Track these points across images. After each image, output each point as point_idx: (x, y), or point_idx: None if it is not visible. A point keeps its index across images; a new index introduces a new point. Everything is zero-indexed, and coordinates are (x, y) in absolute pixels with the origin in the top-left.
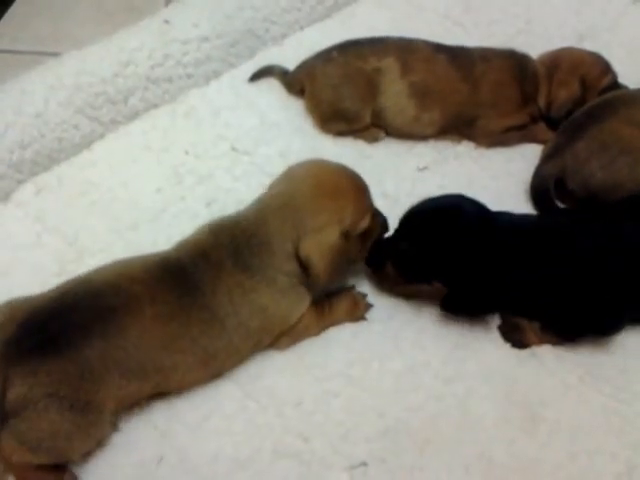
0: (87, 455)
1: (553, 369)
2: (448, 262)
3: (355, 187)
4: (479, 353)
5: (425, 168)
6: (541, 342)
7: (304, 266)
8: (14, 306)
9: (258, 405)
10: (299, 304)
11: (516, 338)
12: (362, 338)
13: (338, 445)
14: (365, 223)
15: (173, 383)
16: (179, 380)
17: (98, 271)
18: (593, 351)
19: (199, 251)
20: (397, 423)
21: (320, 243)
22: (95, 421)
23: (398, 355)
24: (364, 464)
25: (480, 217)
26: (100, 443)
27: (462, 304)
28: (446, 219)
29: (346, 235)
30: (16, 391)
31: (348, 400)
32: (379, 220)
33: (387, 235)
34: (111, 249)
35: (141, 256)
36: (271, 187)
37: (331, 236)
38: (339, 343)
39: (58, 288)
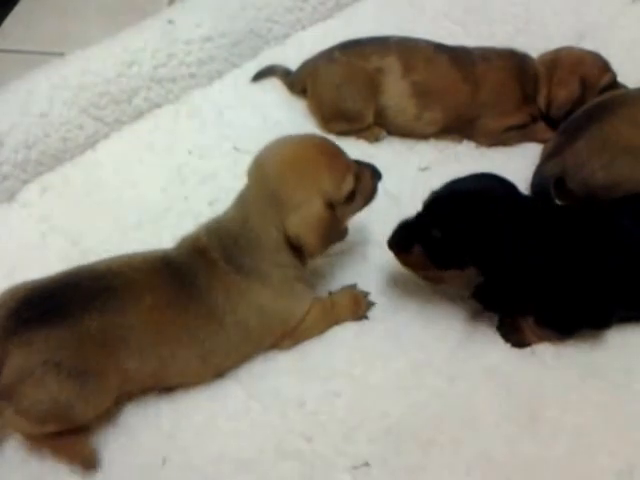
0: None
1: (554, 368)
2: (483, 248)
3: (324, 152)
4: (481, 352)
5: (426, 168)
6: (540, 339)
7: (296, 247)
8: (17, 286)
9: (261, 405)
10: (299, 303)
11: (515, 338)
12: (365, 338)
13: (341, 445)
14: (348, 185)
15: (172, 374)
16: (178, 372)
17: (102, 261)
18: (594, 350)
19: (196, 250)
20: (400, 423)
21: (305, 217)
22: (95, 389)
23: (400, 354)
24: (367, 464)
25: (512, 199)
26: (102, 415)
27: (496, 294)
28: (479, 203)
29: (330, 204)
30: (13, 362)
31: (351, 400)
32: (367, 174)
33: (415, 216)
34: (116, 248)
35: (144, 251)
36: (247, 179)
37: (314, 208)
38: (342, 343)
39: (62, 272)
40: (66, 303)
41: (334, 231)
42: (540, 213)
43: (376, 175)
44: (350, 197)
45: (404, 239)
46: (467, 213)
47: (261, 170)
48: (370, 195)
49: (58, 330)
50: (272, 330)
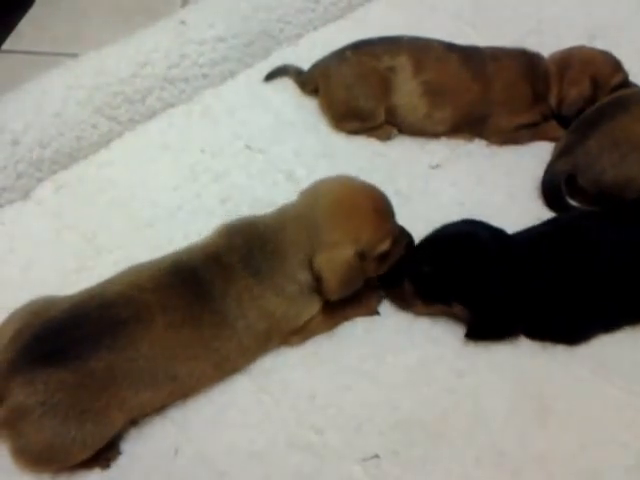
0: None
1: (565, 362)
2: (469, 283)
3: (376, 209)
4: (491, 346)
5: (437, 166)
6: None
7: (317, 279)
8: (34, 311)
9: (272, 399)
10: (308, 309)
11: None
12: (375, 332)
13: (351, 438)
14: (384, 246)
15: (188, 389)
16: (193, 385)
17: (112, 280)
18: (605, 344)
19: (211, 253)
20: (410, 416)
21: (332, 259)
22: (95, 430)
23: (411, 349)
24: (377, 456)
25: (496, 239)
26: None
27: (487, 328)
28: (465, 242)
29: (362, 255)
30: (13, 399)
31: (361, 393)
32: (403, 243)
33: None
34: (128, 246)
35: (152, 262)
36: (297, 198)
37: (344, 254)
38: (352, 337)
39: (73, 297)
40: (74, 342)
41: (355, 281)
42: (521, 249)
43: (408, 248)
44: (381, 258)
45: (394, 276)
46: (454, 251)
47: (314, 196)
48: (394, 262)
49: (61, 372)
50: (280, 331)
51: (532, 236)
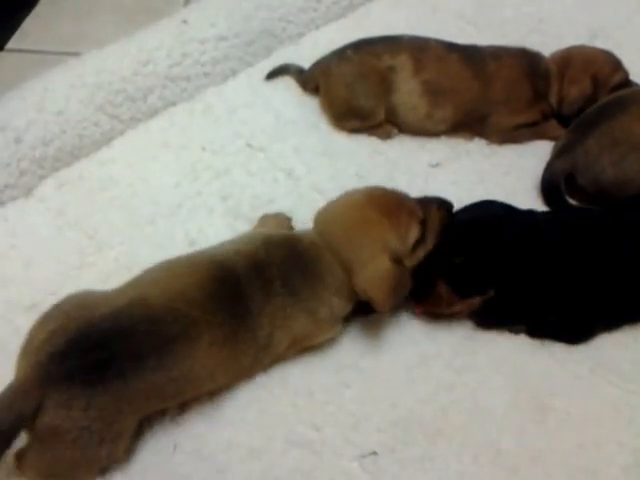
0: None
1: (563, 360)
2: (504, 265)
3: (384, 209)
4: (489, 344)
5: (437, 164)
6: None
7: (366, 299)
8: (69, 314)
9: (271, 395)
10: (330, 332)
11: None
12: (373, 329)
13: (349, 435)
14: (413, 235)
15: (202, 392)
16: (207, 391)
17: (152, 285)
18: (604, 343)
19: (253, 264)
20: (408, 413)
21: (373, 276)
22: (120, 448)
23: (409, 346)
24: (374, 453)
25: (515, 216)
26: None
27: (508, 307)
28: (493, 226)
29: (398, 258)
30: (47, 420)
31: (360, 391)
32: (433, 209)
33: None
34: (130, 242)
35: (195, 262)
36: (316, 222)
37: (382, 266)
38: (351, 334)
39: (113, 299)
40: (116, 357)
41: (404, 284)
42: (543, 224)
43: (444, 206)
44: (417, 244)
45: (424, 281)
46: (484, 234)
47: (327, 225)
48: (441, 230)
49: (101, 397)
50: (292, 350)
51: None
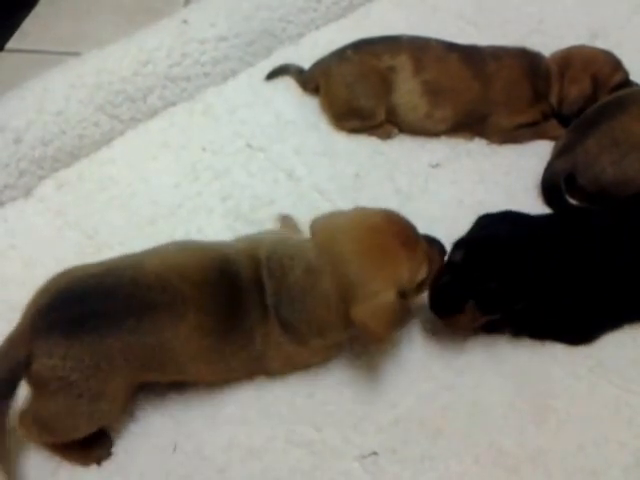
0: None
1: (563, 360)
2: (536, 284)
3: (404, 241)
4: (490, 344)
5: (437, 165)
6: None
7: (362, 331)
8: (64, 273)
9: (271, 395)
10: (324, 356)
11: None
12: None
13: (349, 435)
14: (422, 275)
15: (190, 379)
16: (196, 379)
17: (154, 254)
18: (604, 343)
19: (256, 277)
20: (408, 413)
21: (375, 309)
22: (104, 409)
23: (409, 346)
24: (375, 454)
25: (534, 225)
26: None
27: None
28: (522, 250)
29: (403, 293)
30: (35, 367)
31: (359, 391)
32: (436, 252)
33: (455, 274)
34: (130, 243)
35: (204, 247)
36: (317, 238)
37: (386, 299)
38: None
39: (109, 262)
40: (97, 313)
41: (402, 318)
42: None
43: (443, 251)
44: (422, 284)
45: (453, 301)
46: (515, 259)
47: (333, 243)
48: (436, 274)
49: (79, 347)
50: (287, 370)
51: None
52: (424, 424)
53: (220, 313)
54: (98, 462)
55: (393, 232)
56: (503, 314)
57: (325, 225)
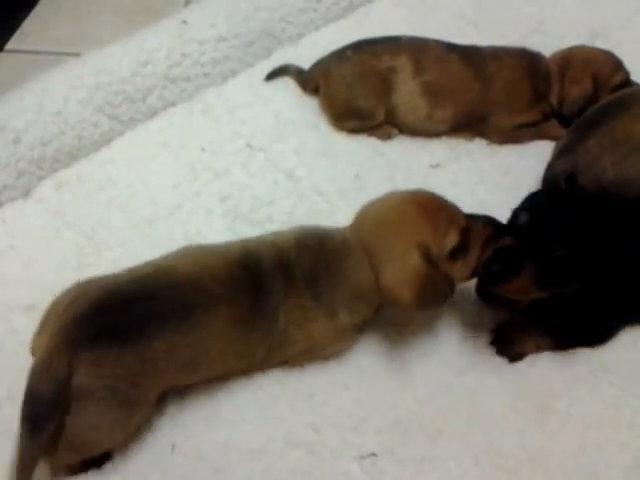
0: None
1: (564, 362)
2: (604, 258)
3: (426, 206)
4: (490, 345)
5: (438, 165)
6: (538, 349)
7: (390, 301)
8: (90, 283)
9: (270, 396)
10: (345, 342)
11: (512, 351)
12: (373, 330)
13: (348, 436)
14: (451, 241)
15: (212, 377)
16: (218, 375)
17: (180, 258)
18: (605, 345)
19: (280, 259)
20: (408, 414)
21: (400, 271)
22: (137, 416)
23: (409, 347)
24: (374, 455)
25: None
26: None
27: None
28: (594, 215)
29: (430, 259)
30: (78, 380)
31: (359, 391)
32: (479, 225)
33: (516, 238)
34: (129, 243)
35: (223, 247)
36: (353, 221)
37: (411, 261)
38: None
39: (136, 270)
40: (141, 317)
41: (436, 289)
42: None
43: (491, 224)
44: (456, 253)
45: (513, 262)
46: (591, 226)
47: (363, 220)
48: (485, 247)
49: (128, 354)
50: (301, 357)
51: None
52: (423, 425)
53: (247, 303)
54: (98, 465)
55: (417, 202)
56: (558, 290)
57: (360, 210)
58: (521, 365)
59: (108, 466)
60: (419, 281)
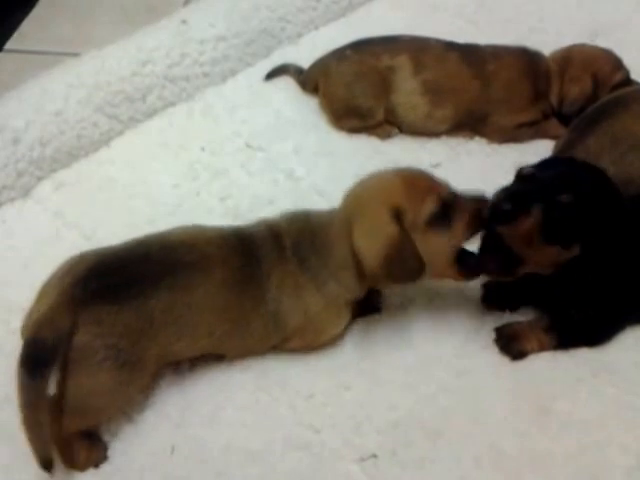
0: None
1: (565, 362)
2: (609, 218)
3: (405, 176)
4: (491, 346)
5: (438, 164)
6: (540, 348)
7: (361, 267)
8: (86, 252)
9: (270, 397)
10: (336, 321)
11: (515, 349)
12: (374, 331)
13: (349, 437)
14: (428, 207)
15: (217, 349)
16: (216, 347)
17: (175, 230)
18: (606, 345)
19: (271, 231)
20: (408, 415)
21: (370, 229)
22: (138, 380)
23: (410, 348)
24: (374, 456)
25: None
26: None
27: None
28: (603, 175)
29: (403, 225)
30: (80, 338)
31: (360, 393)
32: (467, 202)
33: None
34: None
35: (218, 226)
36: (347, 191)
37: (381, 221)
38: (351, 335)
39: (129, 241)
40: (137, 277)
41: (404, 259)
42: None
43: (481, 200)
44: (437, 224)
45: (520, 205)
46: (600, 180)
47: (348, 195)
48: (472, 224)
49: (127, 311)
50: (303, 335)
51: None
52: (424, 426)
53: (241, 266)
54: (95, 465)
55: (399, 173)
56: (561, 245)
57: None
58: (522, 366)
59: (108, 467)
60: (387, 242)
